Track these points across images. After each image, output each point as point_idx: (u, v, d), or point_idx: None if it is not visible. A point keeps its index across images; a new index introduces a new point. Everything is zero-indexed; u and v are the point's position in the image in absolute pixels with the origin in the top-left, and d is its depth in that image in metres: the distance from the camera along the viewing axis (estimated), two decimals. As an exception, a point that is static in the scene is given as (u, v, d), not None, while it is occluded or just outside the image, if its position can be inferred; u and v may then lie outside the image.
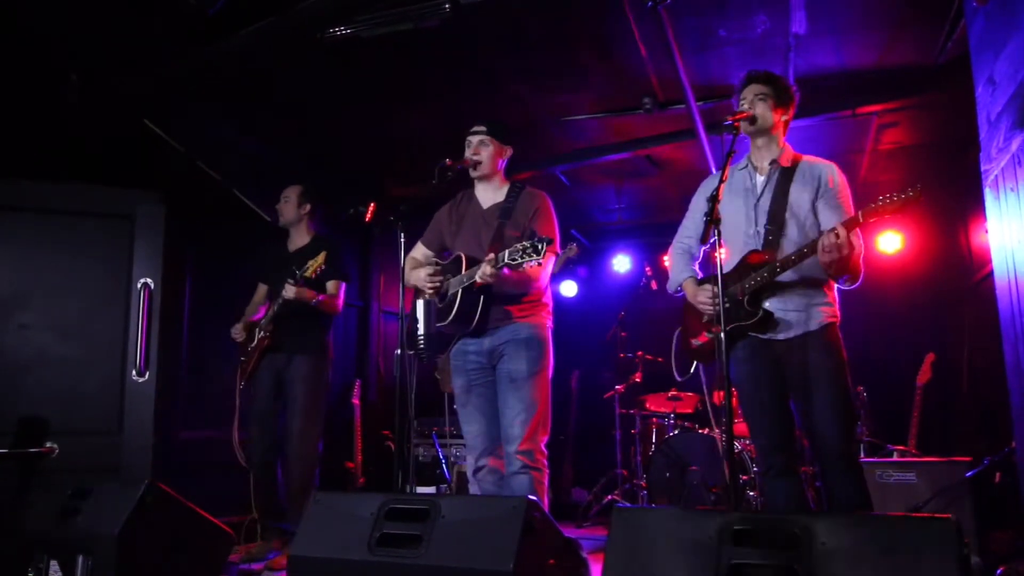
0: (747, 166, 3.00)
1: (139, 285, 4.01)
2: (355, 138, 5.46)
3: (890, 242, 6.32)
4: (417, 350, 3.06)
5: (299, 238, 4.39)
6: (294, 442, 4.09)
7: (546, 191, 3.35)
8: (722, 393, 2.76)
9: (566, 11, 3.91)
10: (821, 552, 1.62)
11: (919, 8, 3.84)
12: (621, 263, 7.54)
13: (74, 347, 3.90)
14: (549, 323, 3.24)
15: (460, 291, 3.09)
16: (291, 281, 3.95)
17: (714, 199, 2.51)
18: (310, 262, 3.89)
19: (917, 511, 3.83)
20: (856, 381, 4.39)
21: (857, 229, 2.64)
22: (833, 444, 2.68)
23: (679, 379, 3.55)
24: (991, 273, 2.82)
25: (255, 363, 4.19)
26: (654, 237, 7.47)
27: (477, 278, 2.95)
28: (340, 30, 3.88)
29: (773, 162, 2.92)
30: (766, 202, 2.89)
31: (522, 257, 2.75)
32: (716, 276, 2.56)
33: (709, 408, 5.05)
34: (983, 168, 2.86)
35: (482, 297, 3.08)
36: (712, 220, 2.49)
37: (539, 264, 2.80)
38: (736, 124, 2.75)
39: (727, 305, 2.74)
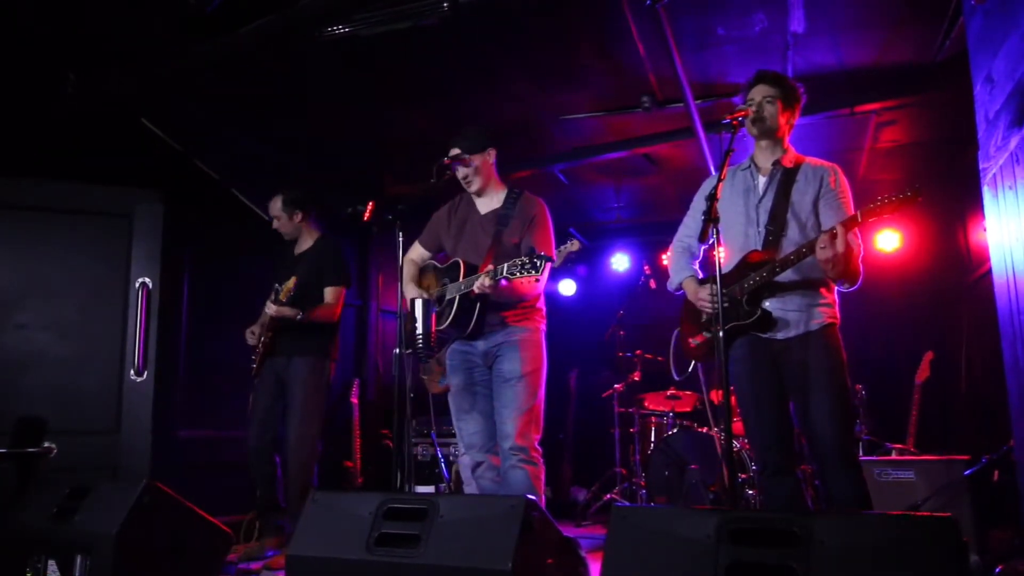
0: (750, 166, 2.99)
1: (137, 284, 4.01)
2: (354, 137, 5.45)
3: (889, 240, 6.33)
4: (415, 349, 3.06)
5: (303, 241, 4.40)
6: (292, 443, 4.11)
7: (545, 190, 3.38)
8: (721, 392, 2.76)
9: (565, 10, 3.91)
10: (819, 551, 1.62)
11: (917, 6, 3.84)
12: (620, 262, 7.54)
13: (72, 346, 3.90)
14: (542, 326, 3.31)
15: (457, 297, 3.15)
16: (271, 300, 4.02)
17: (712, 198, 2.51)
18: (284, 285, 3.98)
19: (916, 509, 3.83)
20: (855, 380, 4.39)
21: (856, 229, 2.64)
22: (832, 443, 2.67)
23: (677, 378, 3.56)
24: (989, 271, 2.82)
25: (259, 364, 4.23)
26: (653, 236, 7.46)
27: (475, 288, 3.00)
28: (339, 28, 3.87)
29: (776, 163, 2.92)
30: (768, 202, 2.89)
31: (521, 272, 2.83)
32: (716, 276, 2.56)
33: (707, 407, 5.06)
34: (981, 166, 2.85)
35: (479, 304, 3.14)
36: (710, 219, 2.48)
37: (537, 280, 2.90)
38: (735, 123, 2.74)
39: (726, 305, 2.73)
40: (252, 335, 4.28)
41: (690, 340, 3.16)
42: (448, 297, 3.21)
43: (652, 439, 5.63)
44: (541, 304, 3.34)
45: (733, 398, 3.13)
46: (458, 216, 3.42)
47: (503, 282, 2.94)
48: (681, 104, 4.61)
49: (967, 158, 2.95)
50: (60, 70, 4.22)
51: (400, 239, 3.10)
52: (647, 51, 4.22)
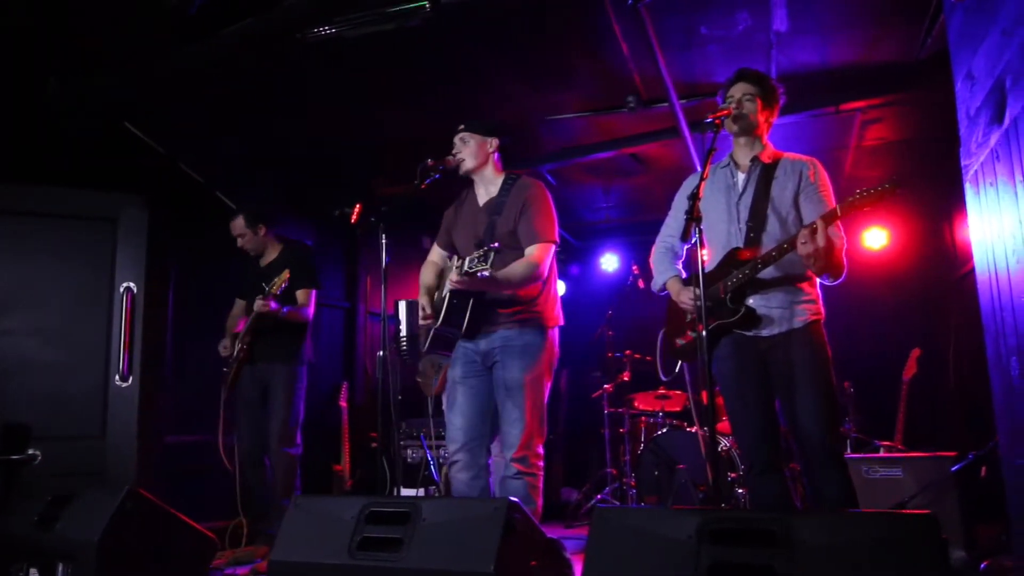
0: (729, 164, 3.00)
1: (122, 289, 3.98)
2: (340, 138, 5.42)
3: (876, 238, 6.35)
4: (400, 351, 3.04)
5: (268, 254, 4.47)
6: (274, 447, 4.17)
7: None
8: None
9: (549, 10, 3.90)
10: (800, 550, 1.61)
11: (899, 4, 3.85)
12: (609, 262, 7.54)
13: (56, 352, 3.86)
14: (551, 326, 3.18)
15: (448, 294, 3.07)
16: (260, 297, 4.07)
17: (694, 197, 2.50)
18: (276, 279, 4.04)
19: (903, 506, 3.84)
20: (842, 377, 4.40)
21: (837, 223, 2.64)
22: (817, 441, 2.67)
23: (664, 379, 3.55)
24: (975, 268, 2.83)
25: (235, 373, 4.28)
26: (642, 235, 7.43)
27: (448, 284, 2.94)
28: (323, 30, 3.86)
29: (754, 159, 2.92)
30: (748, 199, 2.89)
31: (477, 265, 2.73)
32: (699, 275, 2.55)
33: (694, 407, 5.06)
34: (963, 163, 2.86)
35: (470, 301, 3.05)
36: (693, 218, 2.48)
37: (488, 274, 2.75)
38: (717, 121, 2.74)
39: (709, 304, 2.73)
40: (225, 348, 4.35)
41: (676, 340, 3.16)
42: (441, 295, 3.16)
43: (642, 439, 5.63)
44: (549, 296, 3.20)
45: (719, 398, 3.13)
46: (461, 210, 3.38)
47: (483, 273, 2.77)
48: (666, 104, 4.62)
49: (952, 155, 2.95)
50: (42, 73, 4.19)
51: (383, 241, 3.08)
52: (631, 51, 4.21)
